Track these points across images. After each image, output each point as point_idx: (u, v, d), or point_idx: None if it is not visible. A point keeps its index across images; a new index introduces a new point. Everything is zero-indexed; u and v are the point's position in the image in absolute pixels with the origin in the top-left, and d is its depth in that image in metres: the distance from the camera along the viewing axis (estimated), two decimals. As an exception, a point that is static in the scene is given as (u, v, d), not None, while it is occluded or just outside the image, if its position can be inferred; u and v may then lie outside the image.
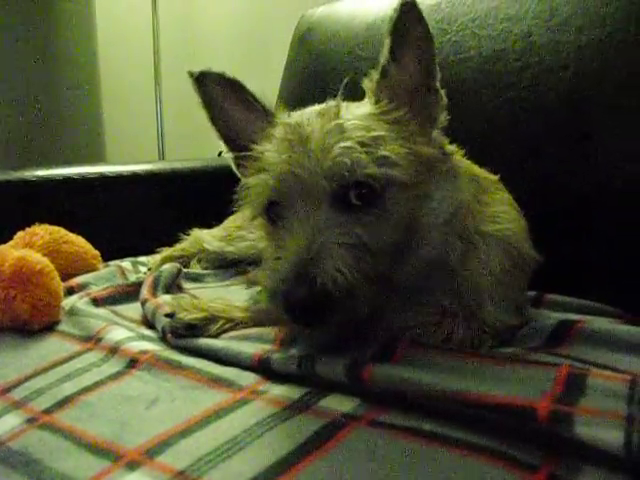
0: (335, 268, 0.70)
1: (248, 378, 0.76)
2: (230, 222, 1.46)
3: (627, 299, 0.98)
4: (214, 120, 0.93)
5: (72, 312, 1.06)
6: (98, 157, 2.86)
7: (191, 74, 0.90)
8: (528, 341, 0.85)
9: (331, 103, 0.84)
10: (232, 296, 1.05)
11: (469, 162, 0.94)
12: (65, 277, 1.21)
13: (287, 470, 0.56)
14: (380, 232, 0.76)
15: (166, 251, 1.47)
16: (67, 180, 1.83)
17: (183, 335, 0.89)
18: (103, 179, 1.88)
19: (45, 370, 0.85)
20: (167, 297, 1.03)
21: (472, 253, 0.86)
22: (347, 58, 1.76)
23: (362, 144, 0.74)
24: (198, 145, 2.72)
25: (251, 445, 0.61)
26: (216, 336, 0.90)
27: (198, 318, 0.90)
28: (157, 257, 1.45)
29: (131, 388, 0.77)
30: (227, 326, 0.92)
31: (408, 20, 0.77)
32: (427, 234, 0.82)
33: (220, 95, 0.91)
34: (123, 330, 0.94)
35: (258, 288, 0.76)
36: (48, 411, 0.74)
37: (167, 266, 1.19)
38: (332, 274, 0.69)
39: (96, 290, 1.17)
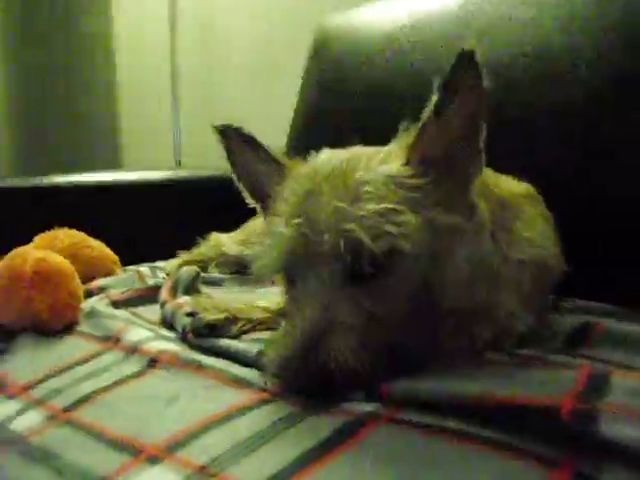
0: (338, 349, 0.68)
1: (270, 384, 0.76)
2: (250, 226, 1.46)
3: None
4: (237, 171, 0.93)
5: (91, 313, 1.06)
6: (114, 163, 2.87)
7: (215, 128, 0.91)
8: (548, 343, 0.85)
9: (344, 156, 0.80)
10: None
11: (495, 178, 0.92)
12: (84, 281, 1.22)
13: (309, 466, 0.55)
14: (392, 302, 0.74)
15: (184, 255, 1.47)
16: (84, 187, 1.85)
17: (204, 335, 0.89)
18: (119, 186, 1.90)
19: (64, 370, 0.86)
20: (187, 298, 1.03)
21: (500, 285, 0.84)
22: (365, 67, 1.75)
23: (370, 219, 0.71)
24: (215, 154, 2.75)
25: (272, 441, 0.60)
26: (237, 337, 0.90)
27: (219, 319, 0.90)
28: (175, 262, 1.45)
29: (150, 387, 0.77)
30: (248, 326, 0.92)
31: (464, 72, 0.71)
32: (449, 291, 0.78)
33: (240, 148, 0.91)
34: (142, 330, 0.95)
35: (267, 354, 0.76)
36: (68, 409, 0.74)
37: (186, 269, 1.19)
38: (335, 355, 0.68)
39: (115, 293, 1.18)
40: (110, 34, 2.89)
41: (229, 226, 1.54)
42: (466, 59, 0.71)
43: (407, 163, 0.77)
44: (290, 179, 0.83)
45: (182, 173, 2.09)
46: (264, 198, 0.89)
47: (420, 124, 0.77)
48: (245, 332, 0.92)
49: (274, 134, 2.10)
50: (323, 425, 0.63)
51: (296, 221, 0.75)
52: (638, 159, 1.12)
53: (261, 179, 0.90)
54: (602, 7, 1.23)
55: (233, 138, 0.90)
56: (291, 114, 1.95)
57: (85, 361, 0.88)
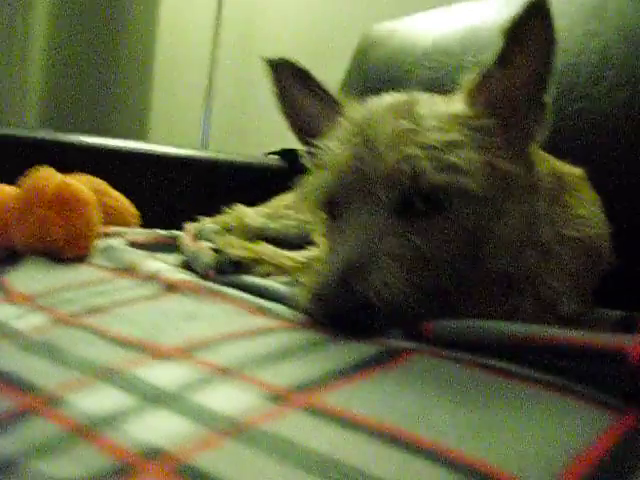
0: (382, 281, 0.62)
1: (297, 315, 0.69)
2: (277, 200, 1.40)
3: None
4: (285, 109, 0.88)
5: (106, 249, 1.00)
6: (141, 136, 2.83)
7: (267, 60, 0.86)
8: (593, 330, 0.78)
9: (405, 96, 0.77)
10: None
11: (552, 158, 0.88)
12: (101, 229, 1.17)
13: (344, 379, 0.49)
14: (442, 244, 0.68)
15: (204, 221, 1.41)
16: (112, 151, 1.81)
17: (227, 272, 0.82)
18: (148, 157, 1.86)
19: (74, 287, 0.79)
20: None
21: (550, 259, 0.79)
22: (410, 67, 1.73)
23: (433, 148, 0.67)
24: (243, 142, 2.71)
25: (305, 356, 0.54)
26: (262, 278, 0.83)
27: (246, 257, 0.84)
28: (196, 224, 1.38)
29: (168, 306, 0.71)
30: (273, 271, 0.85)
31: (534, 21, 0.69)
32: (499, 250, 0.73)
33: (292, 84, 0.86)
34: (160, 263, 0.88)
35: (301, 284, 0.69)
36: (76, 314, 0.67)
37: (209, 225, 1.13)
38: (378, 287, 0.62)
39: (133, 236, 1.11)
40: (156, 14, 2.87)
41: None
42: (536, 7, 0.67)
43: (471, 105, 0.73)
44: (346, 116, 0.77)
45: (209, 154, 2.05)
46: (313, 138, 0.83)
47: (484, 70, 0.73)
48: (270, 276, 0.85)
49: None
50: (358, 349, 0.56)
51: (353, 140, 0.69)
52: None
53: (313, 117, 0.85)
54: None
55: (285, 72, 0.85)
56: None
57: (99, 283, 0.81)
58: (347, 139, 0.71)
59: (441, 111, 0.71)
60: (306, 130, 0.86)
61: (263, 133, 2.45)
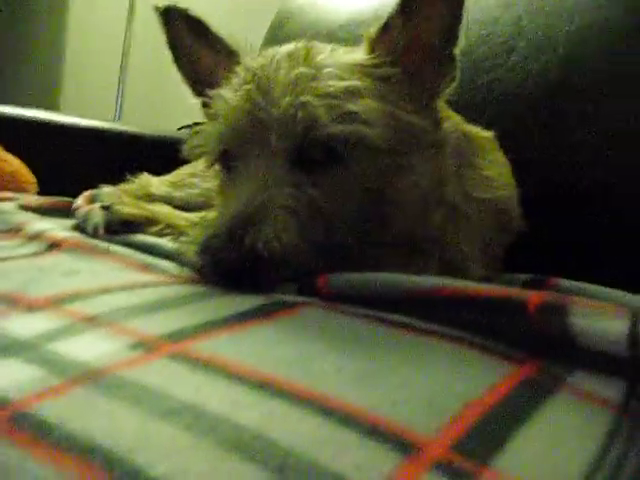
0: (273, 232, 0.59)
1: (185, 271, 0.65)
2: (182, 170, 1.35)
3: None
4: (179, 60, 0.83)
5: (-6, 212, 0.94)
6: (53, 107, 2.71)
7: (157, 9, 0.81)
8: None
9: (304, 44, 0.72)
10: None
11: (461, 119, 0.86)
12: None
13: (221, 329, 0.45)
14: (340, 197, 0.65)
15: (107, 188, 1.34)
16: (22, 121, 1.73)
17: (117, 232, 0.78)
18: (59, 127, 1.78)
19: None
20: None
21: (458, 220, 0.77)
22: (326, 40, 1.69)
23: (330, 96, 0.64)
24: (156, 117, 2.63)
25: (183, 307, 0.51)
26: (153, 238, 0.79)
27: (137, 215, 0.79)
28: (95, 191, 1.32)
29: (47, 262, 0.66)
30: (167, 232, 0.81)
31: None
32: (402, 207, 0.70)
33: (186, 34, 0.81)
34: (48, 222, 0.83)
35: (188, 238, 0.65)
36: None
37: (107, 189, 1.08)
38: (267, 238, 0.59)
39: (25, 200, 1.05)
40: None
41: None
42: None
43: (373, 55, 0.70)
44: (243, 64, 0.73)
45: (119, 126, 1.98)
46: (208, 89, 0.79)
47: (386, 19, 0.70)
48: (163, 237, 0.81)
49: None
50: (243, 302, 0.53)
51: (246, 87, 0.66)
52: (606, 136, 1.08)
53: (209, 68, 0.81)
54: None
55: (177, 20, 0.81)
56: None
57: (-25, 245, 0.76)
58: (242, 87, 0.67)
59: (341, 59, 0.68)
60: (202, 81, 0.81)
61: (177, 108, 2.39)
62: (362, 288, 0.56)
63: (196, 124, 1.89)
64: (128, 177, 1.39)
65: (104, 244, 0.71)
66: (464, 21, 0.69)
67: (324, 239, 0.63)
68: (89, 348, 0.41)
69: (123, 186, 1.35)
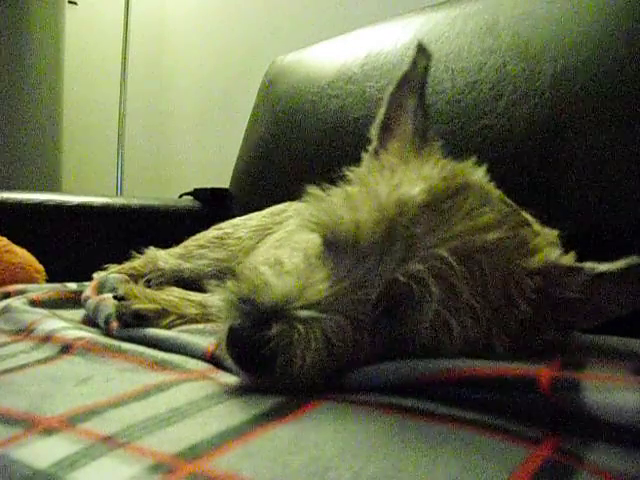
0: (303, 346, 0.54)
1: (197, 364, 0.66)
2: (191, 241, 1.37)
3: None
4: (392, 97, 0.79)
5: (5, 310, 0.94)
6: (54, 187, 2.74)
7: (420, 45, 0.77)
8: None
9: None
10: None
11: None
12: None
13: (238, 437, 0.46)
14: (374, 344, 0.61)
15: (113, 268, 1.36)
16: (22, 205, 1.75)
17: (129, 325, 0.78)
18: (59, 208, 1.80)
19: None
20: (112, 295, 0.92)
21: None
22: (316, 97, 1.74)
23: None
24: (156, 187, 2.66)
25: (197, 415, 0.51)
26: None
27: (148, 309, 0.80)
28: (103, 273, 1.33)
29: (60, 369, 0.66)
30: (178, 322, 0.82)
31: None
32: None
33: (423, 77, 0.77)
34: (59, 321, 0.84)
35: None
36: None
37: (114, 274, 1.09)
38: (288, 341, 0.54)
39: (34, 293, 1.06)
40: (61, 52, 2.80)
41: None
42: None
43: None
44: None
45: (122, 200, 2.00)
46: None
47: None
48: (175, 327, 0.81)
49: (222, 168, 2.07)
50: (260, 402, 0.53)
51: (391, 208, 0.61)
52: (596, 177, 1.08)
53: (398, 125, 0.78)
54: (555, 34, 1.21)
55: (425, 61, 0.76)
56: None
57: (-12, 350, 0.76)
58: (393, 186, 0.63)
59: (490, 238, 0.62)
60: (387, 125, 0.79)
61: (176, 177, 2.43)
62: (376, 378, 0.56)
63: (197, 190, 1.94)
64: (133, 254, 1.41)
65: (115, 343, 0.72)
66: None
67: (340, 365, 0.59)
68: (110, 475, 0.41)
69: (130, 264, 1.37)
